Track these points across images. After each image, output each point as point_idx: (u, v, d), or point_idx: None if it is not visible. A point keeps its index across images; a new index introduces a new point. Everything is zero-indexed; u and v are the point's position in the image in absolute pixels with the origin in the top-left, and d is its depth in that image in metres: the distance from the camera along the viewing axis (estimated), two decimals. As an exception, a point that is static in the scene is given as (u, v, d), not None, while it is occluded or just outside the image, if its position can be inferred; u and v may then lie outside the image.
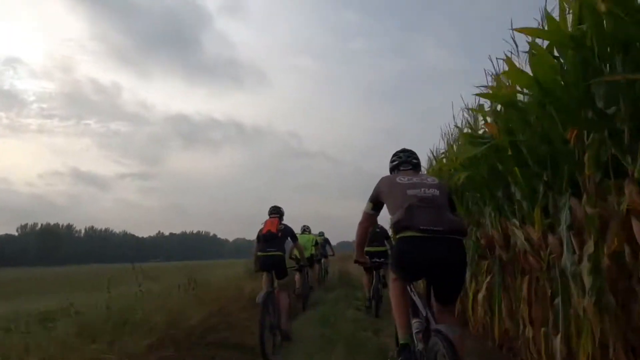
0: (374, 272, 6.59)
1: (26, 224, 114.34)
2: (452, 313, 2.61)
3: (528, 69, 2.97)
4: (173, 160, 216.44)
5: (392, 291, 2.57)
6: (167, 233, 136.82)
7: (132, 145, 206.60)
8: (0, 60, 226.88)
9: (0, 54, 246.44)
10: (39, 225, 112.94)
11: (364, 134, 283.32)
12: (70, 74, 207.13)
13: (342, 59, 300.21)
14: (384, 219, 7.40)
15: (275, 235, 5.21)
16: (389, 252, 6.12)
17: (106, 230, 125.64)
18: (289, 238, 5.47)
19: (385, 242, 6.66)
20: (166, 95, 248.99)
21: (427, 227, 2.29)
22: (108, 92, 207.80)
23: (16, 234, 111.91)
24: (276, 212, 5.54)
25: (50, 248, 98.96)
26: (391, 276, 2.63)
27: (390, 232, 6.59)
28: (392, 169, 2.99)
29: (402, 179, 2.65)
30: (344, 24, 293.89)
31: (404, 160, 2.92)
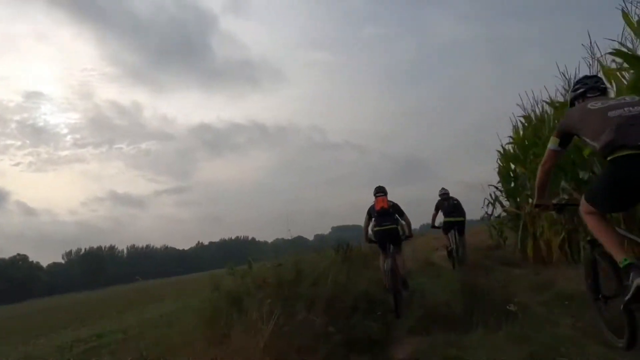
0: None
1: (70, 251, 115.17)
2: None
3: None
4: (202, 171, 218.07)
5: (592, 223, 2.43)
6: (206, 242, 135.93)
7: (163, 162, 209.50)
8: (22, 94, 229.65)
9: (20, 89, 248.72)
10: (83, 250, 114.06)
11: (387, 119, 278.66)
12: (90, 101, 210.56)
13: (356, 46, 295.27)
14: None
15: (388, 211, 6.13)
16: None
17: (147, 247, 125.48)
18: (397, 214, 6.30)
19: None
20: (185, 106, 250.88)
21: None
22: (130, 112, 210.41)
23: (62, 261, 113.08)
24: (382, 191, 6.34)
25: (94, 271, 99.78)
26: (586, 209, 2.47)
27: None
28: (574, 98, 2.86)
29: (595, 104, 2.53)
30: (351, 10, 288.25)
31: (591, 87, 2.77)
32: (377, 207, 6.12)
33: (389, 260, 5.64)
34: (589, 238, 2.82)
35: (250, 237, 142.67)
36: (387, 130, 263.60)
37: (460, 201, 8.73)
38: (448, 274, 6.97)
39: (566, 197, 5.68)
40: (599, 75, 4.04)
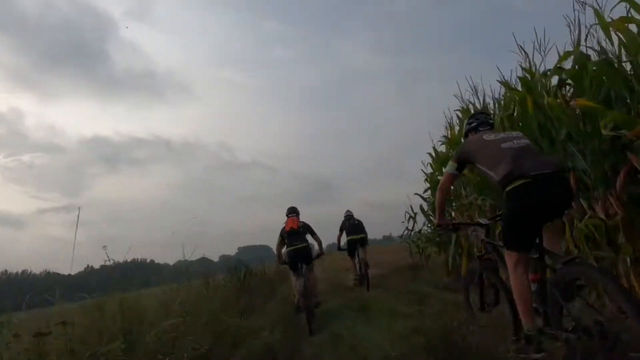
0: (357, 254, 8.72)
1: None
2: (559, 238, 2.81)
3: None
4: (98, 187, 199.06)
5: (516, 282, 2.52)
6: (97, 266, 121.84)
7: (49, 176, 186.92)
8: None
9: None
10: None
11: (297, 140, 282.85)
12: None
13: (265, 67, 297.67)
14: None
15: (298, 231, 6.35)
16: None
17: (23, 272, 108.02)
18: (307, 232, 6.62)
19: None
20: (77, 116, 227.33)
21: (539, 172, 2.41)
22: (7, 119, 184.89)
23: None
24: (294, 211, 6.74)
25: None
26: (511, 260, 2.56)
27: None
28: (469, 131, 3.17)
29: (489, 136, 2.82)
30: (262, 33, 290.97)
31: (482, 121, 3.12)
32: (287, 228, 6.41)
33: (301, 279, 5.84)
34: (477, 254, 3.25)
35: (149, 259, 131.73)
36: (297, 151, 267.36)
37: (364, 222, 9.36)
38: (384, 306, 5.26)
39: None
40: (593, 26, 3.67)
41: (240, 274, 7.56)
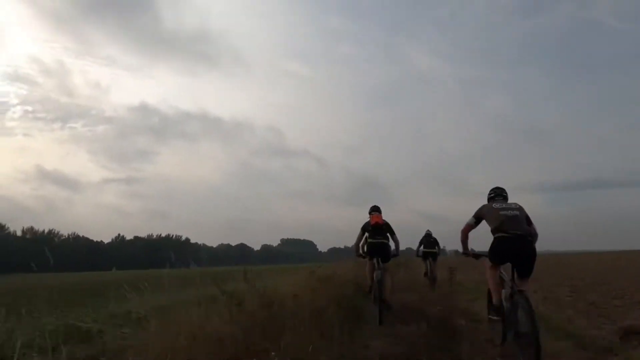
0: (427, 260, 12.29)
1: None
2: (527, 283, 4.39)
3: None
4: (149, 161, 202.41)
5: (489, 273, 4.65)
6: (130, 237, 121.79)
7: (97, 144, 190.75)
8: None
9: None
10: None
11: (351, 137, 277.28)
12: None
13: (328, 61, 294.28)
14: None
15: (381, 227, 6.93)
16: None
17: (50, 232, 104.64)
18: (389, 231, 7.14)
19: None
20: (121, 78, 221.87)
21: (513, 232, 4.30)
22: (53, 72, 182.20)
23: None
24: (377, 210, 7.24)
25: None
26: (487, 264, 4.66)
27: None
28: (489, 199, 4.97)
29: (497, 205, 4.66)
30: (328, 27, 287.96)
31: (497, 194, 4.93)
32: (372, 222, 7.00)
33: (379, 272, 6.53)
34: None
35: (184, 237, 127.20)
36: (349, 149, 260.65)
37: (417, 233, 12.77)
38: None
39: None
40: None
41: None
